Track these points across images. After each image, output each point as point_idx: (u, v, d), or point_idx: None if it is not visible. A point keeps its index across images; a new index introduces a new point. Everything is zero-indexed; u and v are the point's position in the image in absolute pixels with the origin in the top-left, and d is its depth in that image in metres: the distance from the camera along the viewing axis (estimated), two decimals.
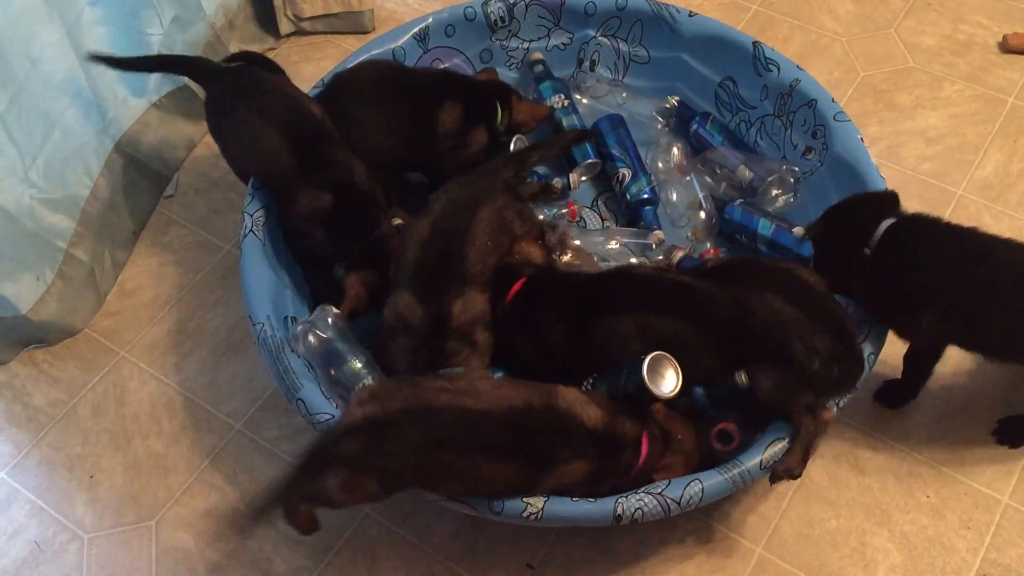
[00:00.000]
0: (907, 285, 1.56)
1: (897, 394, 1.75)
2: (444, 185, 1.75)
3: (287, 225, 1.79)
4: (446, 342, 1.60)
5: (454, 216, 1.67)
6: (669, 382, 1.52)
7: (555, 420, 1.44)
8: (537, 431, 1.43)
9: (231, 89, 1.82)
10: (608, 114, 2.06)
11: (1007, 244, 1.57)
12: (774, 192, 1.91)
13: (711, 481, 1.47)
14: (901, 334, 1.64)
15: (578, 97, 2.13)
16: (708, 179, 1.98)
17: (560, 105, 2.06)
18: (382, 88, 1.88)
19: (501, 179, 1.76)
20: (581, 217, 1.98)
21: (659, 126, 2.08)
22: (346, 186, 1.74)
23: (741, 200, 1.93)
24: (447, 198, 1.70)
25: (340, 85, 1.90)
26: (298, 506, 1.41)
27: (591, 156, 2.03)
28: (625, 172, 1.98)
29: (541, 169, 2.01)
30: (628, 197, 1.97)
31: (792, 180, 1.91)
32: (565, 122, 2.06)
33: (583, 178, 2.05)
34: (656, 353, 1.51)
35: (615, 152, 2.00)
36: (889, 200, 1.65)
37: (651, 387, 1.50)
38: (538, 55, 2.14)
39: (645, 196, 1.96)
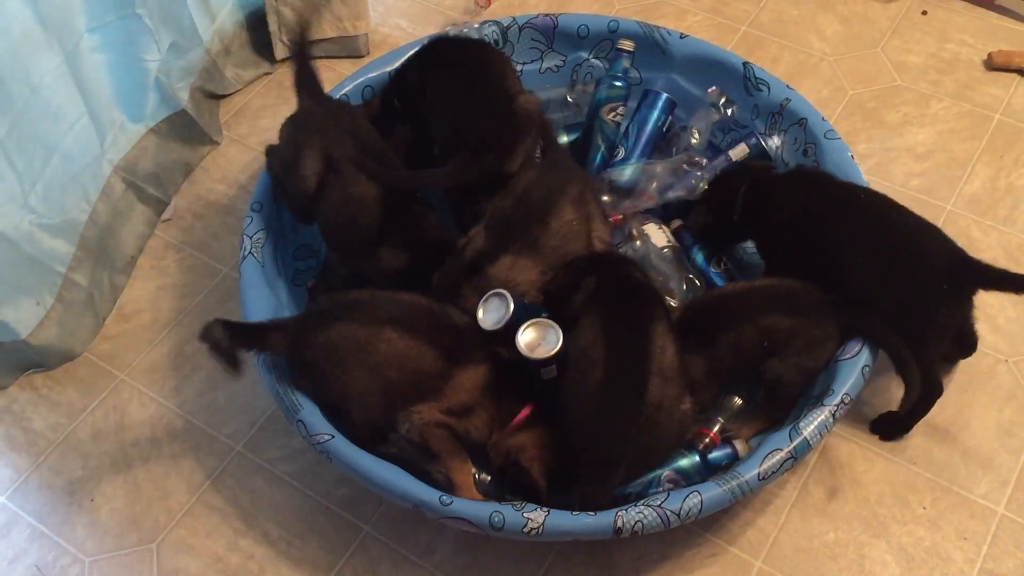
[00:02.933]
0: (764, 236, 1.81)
1: (893, 425, 1.77)
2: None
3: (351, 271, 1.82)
4: (466, 283, 1.67)
5: (547, 186, 1.73)
6: (491, 316, 1.60)
7: (462, 324, 1.62)
8: (448, 325, 1.60)
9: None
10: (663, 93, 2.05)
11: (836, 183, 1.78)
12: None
13: (710, 493, 1.48)
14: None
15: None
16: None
17: None
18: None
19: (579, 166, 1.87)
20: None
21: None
22: (424, 244, 1.76)
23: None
24: (543, 168, 1.79)
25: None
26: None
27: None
28: (620, 151, 2.01)
29: None
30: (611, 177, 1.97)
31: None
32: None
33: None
34: (496, 291, 1.62)
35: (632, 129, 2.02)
36: (748, 169, 1.88)
37: (480, 316, 1.61)
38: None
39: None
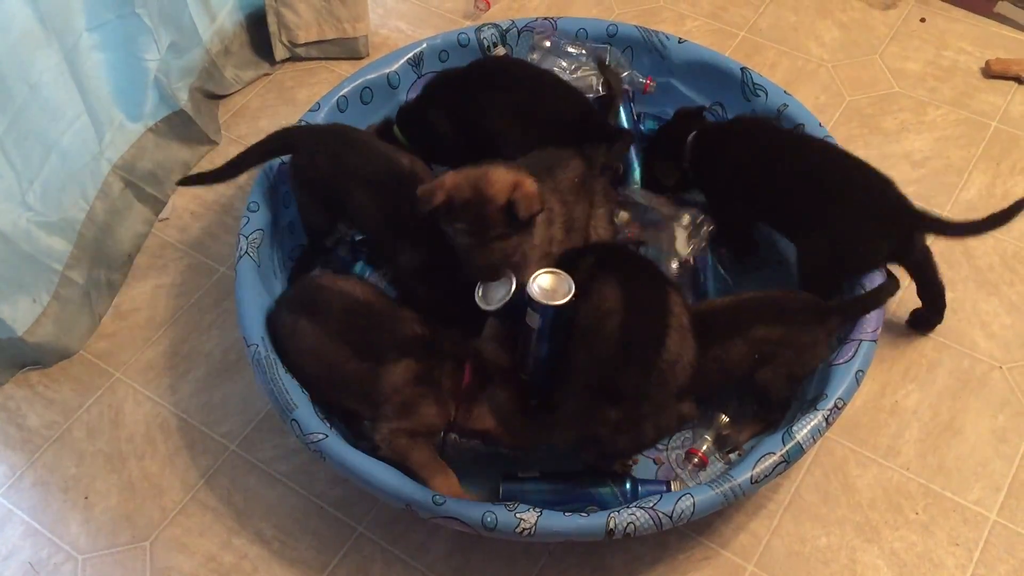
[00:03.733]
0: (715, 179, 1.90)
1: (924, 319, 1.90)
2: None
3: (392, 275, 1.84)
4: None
5: (554, 154, 1.76)
6: (495, 295, 1.60)
7: (387, 318, 1.63)
8: (367, 323, 1.63)
9: (322, 150, 1.81)
10: None
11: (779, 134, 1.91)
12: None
13: (702, 496, 1.48)
14: (724, 217, 1.91)
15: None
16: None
17: None
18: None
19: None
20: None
21: None
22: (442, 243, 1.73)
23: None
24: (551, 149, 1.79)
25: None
26: None
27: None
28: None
29: None
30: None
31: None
32: None
33: None
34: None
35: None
36: (694, 114, 1.97)
37: (479, 295, 1.60)
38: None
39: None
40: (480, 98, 1.90)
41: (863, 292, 1.72)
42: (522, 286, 1.58)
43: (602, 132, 1.88)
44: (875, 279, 1.73)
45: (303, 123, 1.95)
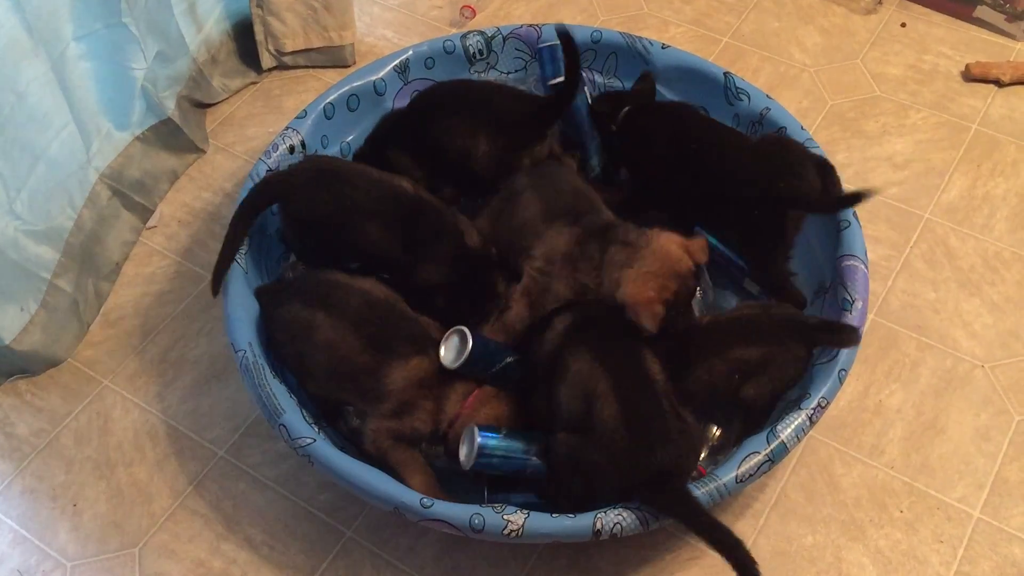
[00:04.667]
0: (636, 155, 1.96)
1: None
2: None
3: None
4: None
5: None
6: (450, 354, 1.62)
7: (403, 317, 1.66)
8: (385, 318, 1.65)
9: (321, 192, 1.78)
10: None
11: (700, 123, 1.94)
12: None
13: None
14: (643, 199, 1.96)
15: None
16: None
17: None
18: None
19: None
20: None
21: None
22: (461, 255, 1.75)
23: None
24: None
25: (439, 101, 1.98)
26: None
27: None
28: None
29: None
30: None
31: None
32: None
33: None
34: (457, 328, 1.63)
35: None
36: (630, 96, 2.03)
37: (442, 353, 1.62)
38: None
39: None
40: (434, 128, 1.92)
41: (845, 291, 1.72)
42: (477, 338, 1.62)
43: (557, 112, 1.92)
44: (858, 277, 1.73)
45: (281, 167, 1.90)
